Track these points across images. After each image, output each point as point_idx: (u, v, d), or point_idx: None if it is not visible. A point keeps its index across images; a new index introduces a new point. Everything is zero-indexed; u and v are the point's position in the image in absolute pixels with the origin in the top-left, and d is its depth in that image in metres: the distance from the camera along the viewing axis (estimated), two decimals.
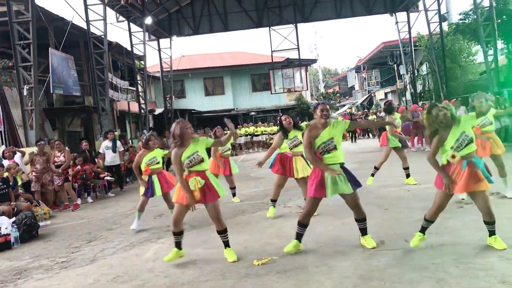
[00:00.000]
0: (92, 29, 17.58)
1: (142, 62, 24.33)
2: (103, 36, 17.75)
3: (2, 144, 12.63)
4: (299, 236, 5.07)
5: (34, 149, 10.76)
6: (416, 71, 26.90)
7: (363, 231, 5.06)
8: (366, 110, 32.35)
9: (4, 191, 8.26)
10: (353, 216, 5.08)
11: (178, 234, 5.15)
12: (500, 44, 18.88)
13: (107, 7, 18.15)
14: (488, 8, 17.52)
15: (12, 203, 8.15)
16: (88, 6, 17.40)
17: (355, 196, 4.96)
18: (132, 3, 19.69)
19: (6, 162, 9.79)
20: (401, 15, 25.95)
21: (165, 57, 26.89)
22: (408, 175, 8.78)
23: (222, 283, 4.44)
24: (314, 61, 40.42)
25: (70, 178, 10.77)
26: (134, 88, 23.80)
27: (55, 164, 10.62)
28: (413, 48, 25.72)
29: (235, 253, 5.08)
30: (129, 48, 22.45)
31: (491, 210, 4.56)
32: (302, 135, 6.09)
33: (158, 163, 7.17)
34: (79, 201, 10.62)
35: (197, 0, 25.68)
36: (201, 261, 5.18)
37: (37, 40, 13.02)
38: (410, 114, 15.05)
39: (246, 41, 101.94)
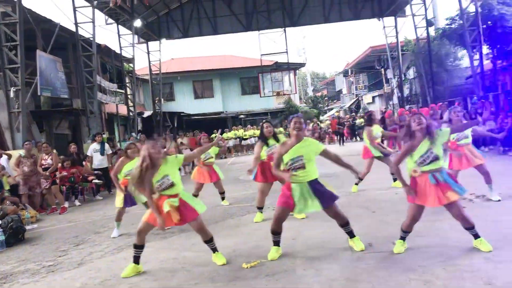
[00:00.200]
0: (81, 31, 17.49)
1: (131, 64, 24.25)
2: (91, 39, 17.67)
3: None
4: (276, 243, 5.10)
5: (21, 152, 10.67)
6: (403, 75, 27.12)
7: (350, 234, 5.08)
8: (353, 113, 32.47)
9: None
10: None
11: (139, 247, 4.96)
12: (485, 49, 19.12)
13: (95, 9, 18.07)
14: (473, 13, 17.76)
15: None
16: (76, 8, 17.31)
17: (332, 208, 4.94)
18: (121, 6, 19.61)
19: None
20: (389, 20, 26.18)
21: (154, 60, 26.81)
22: (395, 179, 8.85)
23: (211, 286, 4.45)
24: (302, 65, 40.54)
25: (57, 181, 10.69)
26: (123, 91, 23.70)
27: (43, 167, 10.54)
28: (400, 52, 25.94)
29: (224, 256, 5.08)
30: (118, 51, 22.36)
31: (466, 216, 4.65)
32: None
33: None
34: (66, 204, 10.54)
35: (187, 3, 25.67)
36: (190, 264, 5.17)
37: (24, 42, 12.92)
38: (397, 118, 15.23)
39: (235, 44, 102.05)
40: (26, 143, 10.64)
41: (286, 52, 26.13)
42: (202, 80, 33.19)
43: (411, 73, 27.83)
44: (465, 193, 4.68)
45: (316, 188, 4.89)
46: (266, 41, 25.83)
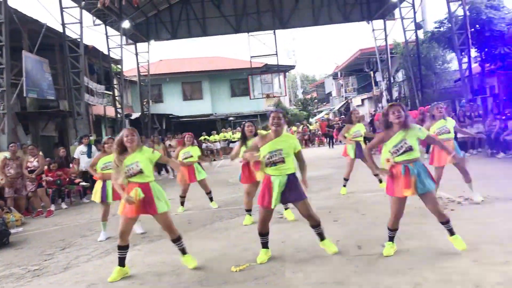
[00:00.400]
0: (68, 32, 17.32)
1: (119, 66, 24.08)
2: (79, 40, 17.51)
3: None
4: (265, 245, 5.07)
5: (6, 154, 10.52)
6: (392, 78, 27.29)
7: (320, 236, 5.04)
8: (343, 116, 32.61)
9: None
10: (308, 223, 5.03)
11: (123, 248, 4.92)
12: (473, 52, 19.28)
13: (83, 10, 17.92)
14: (462, 17, 17.90)
15: None
16: (63, 9, 17.13)
17: (304, 205, 4.89)
18: (109, 7, 19.46)
19: None
20: (378, 23, 26.32)
21: (142, 61, 26.65)
22: (380, 180, 8.83)
23: None
24: (292, 67, 40.66)
25: (43, 183, 10.55)
26: (111, 92, 23.54)
27: (28, 169, 10.39)
28: (389, 55, 26.08)
29: (194, 259, 5.04)
30: (105, 52, 22.19)
31: (441, 211, 4.71)
32: None
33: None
34: (53, 207, 10.41)
35: (175, 4, 25.57)
36: (178, 267, 5.11)
37: (10, 42, 12.75)
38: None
39: (225, 46, 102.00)
40: (11, 145, 10.49)
41: (276, 54, 26.16)
42: (191, 82, 33.09)
43: (400, 76, 28.02)
44: (432, 189, 4.68)
45: (292, 181, 4.87)
46: (256, 43, 25.82)
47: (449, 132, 7.01)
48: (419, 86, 22.33)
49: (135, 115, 27.01)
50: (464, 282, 3.88)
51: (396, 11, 23.90)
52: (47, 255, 6.38)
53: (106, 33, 22.11)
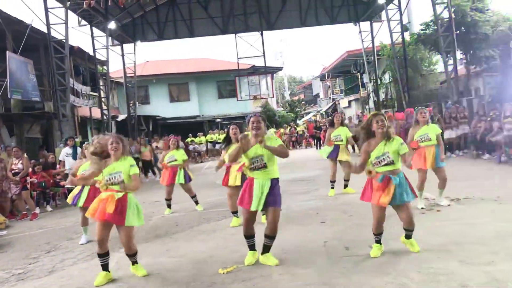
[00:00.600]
0: (53, 33, 17.11)
1: (105, 67, 23.87)
2: (64, 40, 17.30)
3: None
4: (251, 248, 5.05)
5: None
6: (379, 79, 27.46)
7: (265, 249, 4.93)
8: (329, 117, 32.67)
9: None
10: (264, 230, 4.95)
11: (103, 255, 4.85)
12: (459, 54, 19.49)
13: (68, 10, 17.71)
14: (447, 19, 18.08)
15: None
16: (48, 9, 16.91)
17: (275, 213, 4.83)
18: (95, 7, 19.26)
19: None
20: (365, 25, 26.46)
21: (128, 63, 26.45)
22: (346, 186, 8.98)
23: None
24: (279, 68, 40.72)
25: (28, 186, 10.41)
26: (96, 94, 23.31)
27: (13, 171, 10.25)
28: (376, 57, 26.25)
29: (143, 268, 4.98)
30: (91, 53, 21.97)
31: (413, 220, 4.75)
32: None
33: None
34: (37, 210, 10.29)
35: (162, 5, 25.42)
36: (164, 270, 5.08)
37: None
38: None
39: (212, 47, 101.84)
40: None
41: (263, 55, 26.15)
42: (178, 83, 32.96)
43: (386, 78, 28.19)
44: (410, 200, 4.75)
45: (274, 187, 4.84)
46: (243, 44, 25.79)
47: (430, 140, 7.07)
48: (405, 88, 22.50)
49: (121, 117, 26.79)
50: (450, 282, 3.91)
51: (383, 13, 24.05)
52: (31, 258, 6.30)
53: (92, 34, 21.89)
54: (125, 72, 26.09)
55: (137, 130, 26.35)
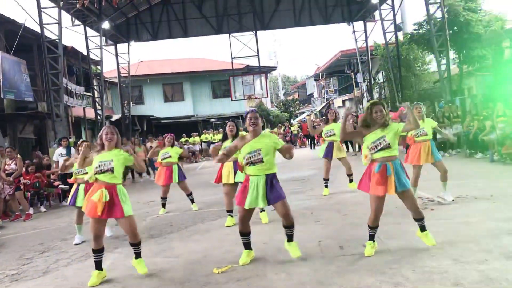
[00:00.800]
0: (46, 33, 17.04)
1: (99, 67, 23.79)
2: (57, 40, 17.24)
3: None
4: (247, 246, 5.05)
5: None
6: (372, 79, 27.54)
7: (289, 237, 4.99)
8: (324, 117, 32.73)
9: None
10: (282, 222, 5.00)
11: (98, 251, 4.85)
12: (452, 54, 19.58)
13: (62, 10, 17.64)
14: (440, 19, 18.17)
15: None
16: (42, 9, 16.85)
17: (283, 204, 4.84)
18: (89, 7, 19.20)
19: None
20: (358, 25, 26.56)
21: (122, 62, 26.39)
22: (351, 181, 8.95)
23: None
24: (274, 68, 40.77)
25: (21, 186, 10.36)
26: (90, 94, 23.23)
27: (6, 172, 10.20)
28: (369, 56, 26.34)
29: (145, 266, 4.97)
30: (85, 53, 21.90)
31: (419, 208, 4.84)
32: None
33: (86, 173, 6.56)
34: (31, 211, 10.22)
35: (156, 5, 25.38)
36: (159, 270, 5.07)
37: None
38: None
39: (206, 48, 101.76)
40: None
41: (257, 55, 26.15)
42: (172, 83, 32.91)
43: (380, 77, 28.28)
44: (409, 187, 4.78)
45: (272, 182, 4.83)
46: (237, 44, 25.78)
47: (426, 134, 7.12)
48: (399, 87, 22.61)
49: (115, 117, 26.71)
50: (444, 281, 3.93)
51: (376, 13, 24.14)
52: (25, 259, 6.26)
53: (86, 34, 21.81)
54: (119, 72, 26.03)
55: (131, 130, 26.28)
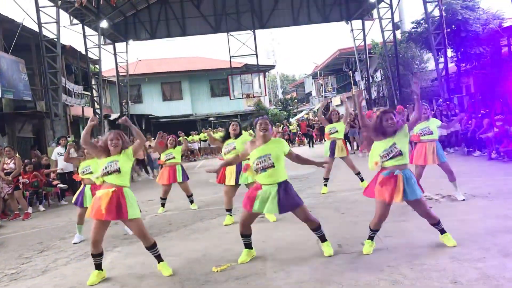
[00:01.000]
0: (45, 32, 17.02)
1: (97, 66, 23.77)
2: (56, 39, 17.22)
3: None
4: (247, 246, 5.06)
5: None
6: (370, 77, 27.56)
7: (322, 238, 4.99)
8: (322, 116, 32.74)
9: None
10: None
11: (97, 256, 4.83)
12: (450, 52, 19.62)
13: (60, 9, 17.62)
14: (438, 17, 18.20)
15: None
16: (40, 8, 16.82)
17: (302, 210, 4.85)
18: (87, 6, 19.19)
19: None
20: (356, 23, 26.54)
21: (121, 61, 26.38)
22: (362, 178, 8.88)
23: None
24: (272, 67, 40.70)
25: (20, 186, 10.36)
26: (89, 93, 23.21)
27: (5, 171, 10.20)
28: (368, 55, 26.34)
29: (170, 267, 4.92)
30: (83, 52, 21.88)
31: (431, 213, 4.80)
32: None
33: (91, 172, 6.65)
34: (30, 210, 10.22)
35: (154, 4, 25.36)
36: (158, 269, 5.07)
37: None
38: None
39: (204, 47, 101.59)
40: None
41: (256, 54, 26.14)
42: (171, 82, 32.86)
43: (378, 76, 28.30)
44: (420, 196, 4.72)
45: (286, 190, 4.78)
46: (236, 43, 25.78)
47: (432, 133, 7.11)
48: (397, 86, 22.63)
49: (114, 116, 26.66)
50: (442, 279, 3.95)
51: (374, 12, 24.15)
52: (24, 258, 6.27)
53: (84, 33, 21.80)
54: (117, 71, 26.01)
55: (129, 129, 26.23)
